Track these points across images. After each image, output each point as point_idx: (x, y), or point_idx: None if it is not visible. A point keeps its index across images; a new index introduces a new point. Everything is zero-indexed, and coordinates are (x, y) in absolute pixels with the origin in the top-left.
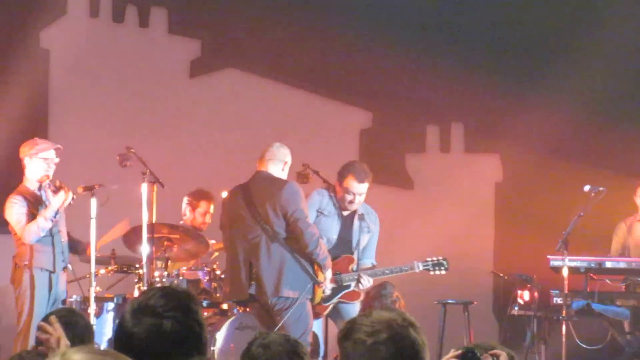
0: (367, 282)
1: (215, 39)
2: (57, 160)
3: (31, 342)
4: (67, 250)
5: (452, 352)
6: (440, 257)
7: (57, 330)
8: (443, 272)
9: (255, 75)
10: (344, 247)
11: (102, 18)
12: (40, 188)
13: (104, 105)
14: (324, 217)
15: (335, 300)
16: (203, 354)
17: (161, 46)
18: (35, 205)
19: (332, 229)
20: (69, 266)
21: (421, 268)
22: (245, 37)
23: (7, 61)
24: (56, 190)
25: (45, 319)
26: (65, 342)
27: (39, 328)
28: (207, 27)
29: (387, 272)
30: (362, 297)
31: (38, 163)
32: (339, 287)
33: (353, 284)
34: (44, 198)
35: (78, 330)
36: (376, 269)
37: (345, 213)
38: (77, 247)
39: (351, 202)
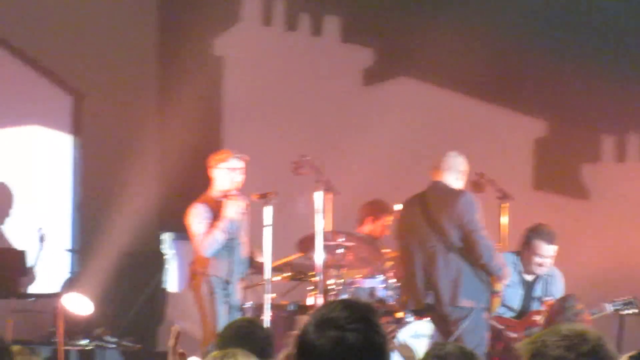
0: None
1: (388, 48)
2: (241, 170)
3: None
4: (247, 263)
5: (625, 356)
6: (629, 297)
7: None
8: (635, 310)
9: (428, 83)
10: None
11: (275, 26)
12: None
13: (277, 113)
14: (507, 287)
15: None
16: None
17: (334, 54)
18: (217, 215)
19: (514, 299)
20: (244, 273)
21: (612, 310)
22: (418, 45)
23: (181, 68)
24: (228, 201)
25: (228, 330)
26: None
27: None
28: (380, 35)
29: None
30: None
31: (221, 174)
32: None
33: None
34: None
35: (257, 341)
36: None
37: (529, 278)
38: (251, 262)
39: (540, 265)
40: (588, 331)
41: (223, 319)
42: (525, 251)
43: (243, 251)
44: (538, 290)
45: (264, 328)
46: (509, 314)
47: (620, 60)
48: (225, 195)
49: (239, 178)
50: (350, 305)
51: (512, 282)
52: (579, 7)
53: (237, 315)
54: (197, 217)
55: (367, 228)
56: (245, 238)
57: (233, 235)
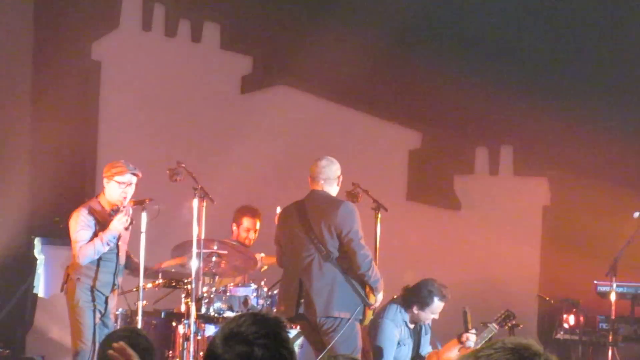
0: None
1: (267, 56)
2: (132, 185)
3: (83, 354)
4: (121, 272)
5: None
6: (505, 311)
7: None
8: (514, 321)
9: (306, 92)
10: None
11: (154, 32)
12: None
13: (154, 118)
14: (402, 346)
15: None
16: None
17: (213, 61)
18: (101, 224)
19: (407, 356)
20: (118, 283)
21: (497, 328)
22: (296, 54)
23: (57, 72)
24: (114, 214)
25: (110, 340)
26: None
27: (115, 351)
28: (259, 43)
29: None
30: None
31: (112, 186)
32: None
33: None
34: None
35: (139, 352)
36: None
37: (412, 326)
38: (130, 266)
39: (432, 319)
40: (532, 343)
41: (90, 327)
42: (421, 310)
43: (120, 262)
44: (423, 334)
45: (146, 338)
46: None
47: (495, 74)
48: (116, 209)
49: (130, 192)
50: (259, 320)
51: (403, 339)
52: (456, 20)
53: (110, 323)
54: (80, 223)
55: (234, 234)
56: (125, 247)
57: (112, 247)
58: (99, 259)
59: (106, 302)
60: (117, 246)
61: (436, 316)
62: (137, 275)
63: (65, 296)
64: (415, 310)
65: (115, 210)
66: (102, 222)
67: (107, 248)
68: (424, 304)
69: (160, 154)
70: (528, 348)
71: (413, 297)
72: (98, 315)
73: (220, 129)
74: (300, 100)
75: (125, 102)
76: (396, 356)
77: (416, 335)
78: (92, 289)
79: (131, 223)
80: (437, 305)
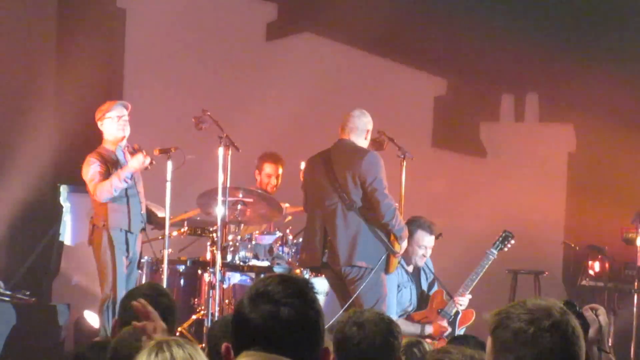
0: (466, 300)
1: (292, 3)
2: (127, 117)
3: (114, 303)
4: (145, 212)
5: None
6: (502, 232)
7: (153, 317)
8: (513, 241)
9: (331, 40)
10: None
11: None
12: (117, 149)
13: (180, 67)
14: (402, 289)
15: (458, 332)
16: (318, 343)
17: (238, 8)
18: (112, 165)
19: (409, 297)
20: (145, 223)
21: (496, 253)
22: (321, 1)
23: (83, 20)
24: (134, 152)
25: (132, 297)
26: (161, 326)
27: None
28: None
29: (474, 277)
30: (473, 314)
31: (108, 123)
32: (451, 321)
33: (458, 308)
34: (122, 159)
35: (159, 310)
36: (465, 281)
37: (410, 270)
38: (152, 218)
39: (423, 256)
40: (553, 306)
41: (122, 273)
42: (408, 243)
43: (142, 203)
44: (423, 281)
45: (168, 296)
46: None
47: (520, 21)
48: (137, 148)
49: (127, 126)
50: (286, 280)
51: (402, 282)
52: None
53: (135, 271)
54: (92, 165)
55: (258, 182)
56: (142, 190)
57: (132, 186)
58: (122, 199)
59: (134, 245)
60: (136, 187)
61: (425, 251)
62: (162, 228)
63: (92, 246)
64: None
65: (136, 149)
66: (111, 163)
67: (124, 184)
68: (408, 237)
69: (185, 102)
70: (545, 309)
71: None
72: (126, 260)
73: (245, 77)
74: (325, 48)
75: (151, 50)
76: (398, 300)
77: (416, 278)
78: (119, 233)
79: (151, 163)
80: (421, 235)
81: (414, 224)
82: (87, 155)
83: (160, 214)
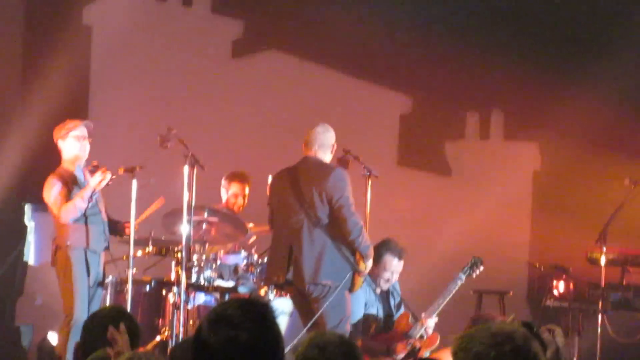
0: (432, 323)
1: (257, 20)
2: (88, 137)
3: (77, 324)
4: (107, 231)
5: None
6: (471, 259)
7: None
8: (482, 267)
9: (296, 57)
10: (388, 322)
11: None
12: (77, 169)
13: (145, 84)
14: (369, 308)
15: (425, 357)
16: None
17: (204, 25)
18: (73, 185)
19: (377, 317)
20: (108, 242)
21: (464, 278)
22: (287, 18)
23: (49, 37)
24: (93, 171)
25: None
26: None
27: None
28: (250, 7)
29: (441, 301)
30: (438, 337)
31: (70, 142)
32: (415, 350)
33: (422, 332)
34: (81, 179)
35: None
36: (432, 306)
37: (378, 291)
38: (115, 227)
39: (388, 280)
40: (516, 331)
41: (84, 294)
42: (375, 267)
43: (104, 222)
44: (391, 303)
45: (131, 318)
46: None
47: (486, 38)
48: (96, 166)
49: (88, 145)
50: (246, 304)
51: (369, 301)
52: None
53: (99, 291)
54: (54, 186)
55: (224, 201)
56: (104, 209)
57: (93, 205)
58: (85, 219)
59: (97, 265)
60: (98, 206)
61: (392, 275)
62: (124, 238)
63: (55, 266)
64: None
65: (95, 167)
66: (72, 183)
67: (87, 204)
68: (375, 259)
69: (150, 119)
70: (507, 334)
71: None
72: (92, 279)
73: (211, 94)
74: (290, 65)
75: (116, 67)
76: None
77: (384, 300)
78: (81, 252)
79: (111, 180)
80: (388, 260)
81: (383, 247)
82: (48, 176)
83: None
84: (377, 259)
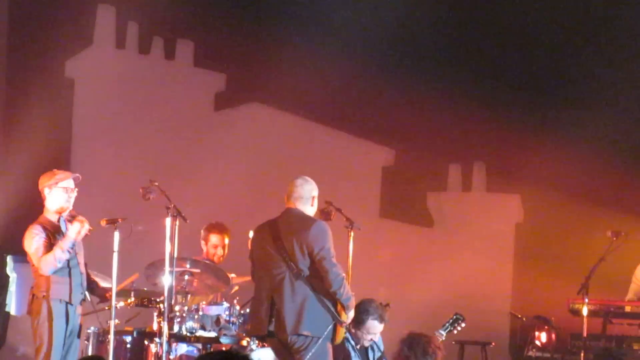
0: None
1: (240, 73)
2: (75, 190)
3: None
4: (85, 282)
5: None
6: (453, 315)
7: None
8: (464, 324)
9: (279, 110)
10: None
11: (128, 49)
12: (59, 219)
13: (127, 136)
14: None
15: None
16: None
17: (186, 79)
18: (54, 235)
19: None
20: (88, 297)
21: (444, 335)
22: (270, 71)
23: (31, 89)
24: (71, 220)
25: None
26: None
27: None
28: (232, 61)
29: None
30: None
31: (58, 193)
32: None
33: None
34: (64, 229)
35: None
36: None
37: (358, 347)
38: (94, 289)
39: (371, 339)
40: None
41: (59, 345)
42: (357, 329)
43: (82, 274)
44: (370, 357)
45: None
46: None
47: (467, 91)
48: (73, 215)
49: (73, 198)
50: (227, 355)
51: (348, 356)
52: (428, 39)
53: (76, 342)
54: (35, 237)
55: (204, 252)
56: (83, 260)
57: (72, 257)
58: (63, 270)
59: (74, 316)
60: (76, 257)
61: (374, 336)
62: (104, 300)
63: (30, 315)
64: (352, 328)
65: (73, 217)
66: (54, 233)
67: (67, 255)
68: (358, 322)
69: (133, 171)
70: None
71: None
72: (69, 330)
73: (194, 146)
74: (273, 118)
75: (99, 119)
76: None
77: (363, 355)
78: (59, 303)
79: (89, 231)
80: (371, 324)
81: (366, 313)
82: (29, 225)
83: (103, 284)
84: (360, 324)
